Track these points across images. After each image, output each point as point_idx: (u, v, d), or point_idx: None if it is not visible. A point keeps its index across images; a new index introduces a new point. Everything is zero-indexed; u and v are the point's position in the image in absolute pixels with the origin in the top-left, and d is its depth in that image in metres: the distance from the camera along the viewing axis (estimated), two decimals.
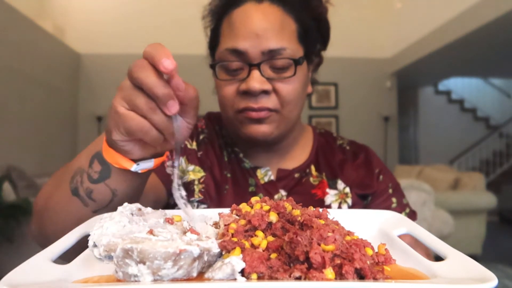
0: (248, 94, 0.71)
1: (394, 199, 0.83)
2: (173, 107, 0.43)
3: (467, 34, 4.25)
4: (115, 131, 0.47)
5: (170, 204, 0.77)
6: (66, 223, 0.54)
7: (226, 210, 0.50)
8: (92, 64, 5.83)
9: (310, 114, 6.14)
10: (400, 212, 0.79)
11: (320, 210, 0.47)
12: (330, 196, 0.80)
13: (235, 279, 0.34)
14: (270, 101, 0.71)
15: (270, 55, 0.70)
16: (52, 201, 0.58)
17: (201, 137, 0.84)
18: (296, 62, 0.71)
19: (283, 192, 0.80)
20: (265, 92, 0.71)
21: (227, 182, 0.80)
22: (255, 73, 0.69)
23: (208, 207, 0.76)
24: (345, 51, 5.88)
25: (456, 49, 4.84)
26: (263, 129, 0.73)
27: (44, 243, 0.59)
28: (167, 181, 0.74)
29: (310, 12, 0.77)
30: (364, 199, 0.83)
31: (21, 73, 4.22)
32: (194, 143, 0.83)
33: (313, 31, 0.78)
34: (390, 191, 0.83)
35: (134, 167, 0.51)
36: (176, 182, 0.49)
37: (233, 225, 0.42)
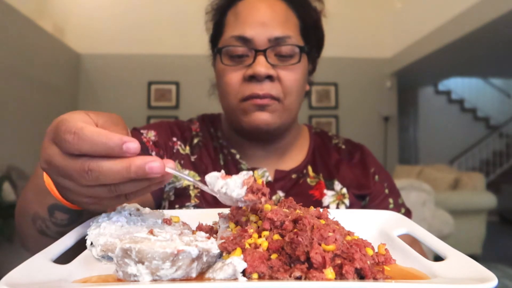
0: (253, 79, 0.72)
1: (391, 200, 0.83)
2: (159, 167, 0.37)
3: (467, 34, 4.25)
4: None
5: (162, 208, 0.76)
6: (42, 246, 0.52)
7: (225, 210, 0.50)
8: (92, 64, 5.81)
9: (310, 114, 6.13)
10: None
11: (321, 210, 0.47)
12: (328, 197, 0.80)
13: (236, 279, 0.34)
14: (274, 89, 0.73)
15: (276, 42, 0.72)
16: (24, 234, 0.57)
17: (195, 140, 0.83)
18: (302, 49, 0.74)
19: (281, 193, 0.79)
20: (270, 78, 0.72)
21: None
22: (261, 58, 0.71)
23: None
24: (345, 51, 5.87)
25: (456, 49, 4.83)
26: (265, 117, 0.73)
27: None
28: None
29: (307, 13, 0.79)
30: (361, 199, 0.83)
31: (21, 73, 4.22)
32: (187, 148, 0.82)
33: (312, 32, 0.80)
34: (387, 191, 0.84)
35: None
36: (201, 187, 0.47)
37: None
